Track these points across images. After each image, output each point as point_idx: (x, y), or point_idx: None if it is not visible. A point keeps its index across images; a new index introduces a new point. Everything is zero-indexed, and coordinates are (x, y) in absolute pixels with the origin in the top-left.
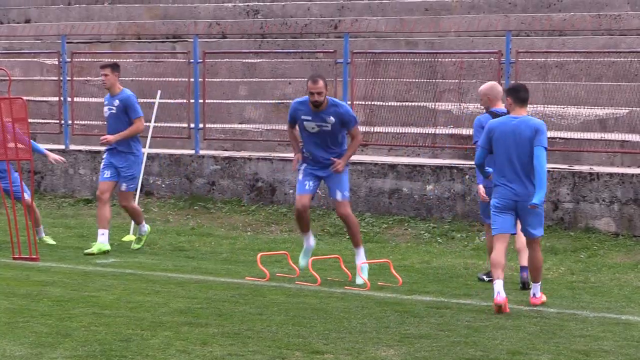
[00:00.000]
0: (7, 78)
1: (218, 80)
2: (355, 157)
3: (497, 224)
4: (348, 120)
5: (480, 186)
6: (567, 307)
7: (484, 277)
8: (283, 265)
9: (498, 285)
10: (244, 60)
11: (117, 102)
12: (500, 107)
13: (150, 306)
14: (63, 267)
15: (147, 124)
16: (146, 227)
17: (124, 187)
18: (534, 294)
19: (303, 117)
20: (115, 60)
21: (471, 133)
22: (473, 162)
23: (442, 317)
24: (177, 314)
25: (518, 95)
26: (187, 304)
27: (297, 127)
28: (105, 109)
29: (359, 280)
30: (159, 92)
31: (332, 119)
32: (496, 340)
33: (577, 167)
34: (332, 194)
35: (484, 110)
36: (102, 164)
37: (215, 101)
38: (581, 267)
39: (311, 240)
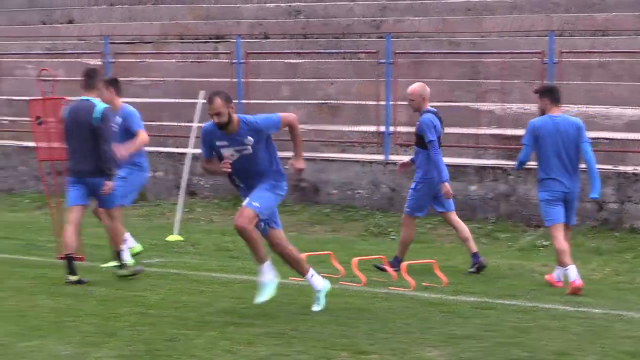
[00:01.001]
0: (52, 78)
1: (260, 80)
2: (399, 158)
3: (551, 215)
4: (266, 124)
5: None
6: (613, 308)
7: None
8: (327, 266)
9: (573, 270)
10: (286, 61)
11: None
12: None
13: (195, 306)
14: (108, 267)
15: (191, 124)
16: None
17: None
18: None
19: (218, 143)
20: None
21: (515, 133)
22: (516, 163)
23: (487, 317)
24: (222, 314)
25: (554, 95)
26: (232, 304)
27: (213, 158)
28: None
29: (315, 307)
30: (203, 92)
31: (250, 139)
32: (542, 341)
33: (621, 168)
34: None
35: (416, 111)
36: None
37: (257, 101)
38: (627, 268)
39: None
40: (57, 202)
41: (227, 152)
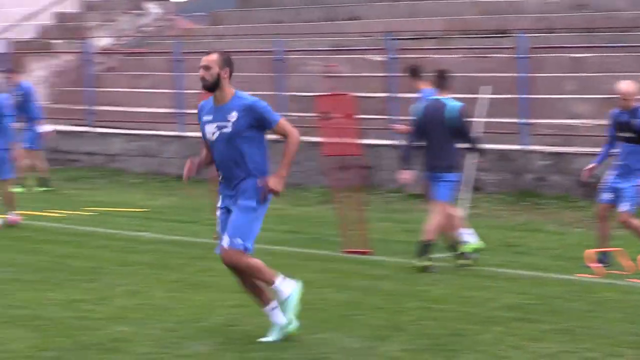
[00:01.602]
0: (337, 74)
1: (543, 75)
2: None
3: None
4: (262, 115)
5: None
6: None
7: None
8: (614, 262)
9: None
10: (571, 55)
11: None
12: None
13: (480, 301)
14: (395, 261)
15: (477, 119)
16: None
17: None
18: None
19: (205, 118)
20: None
21: None
22: None
23: None
24: (508, 310)
25: None
26: (518, 300)
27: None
28: None
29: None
30: (488, 87)
31: (234, 114)
32: None
33: None
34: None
35: (625, 109)
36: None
37: (542, 96)
38: None
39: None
40: (343, 197)
41: (209, 129)
